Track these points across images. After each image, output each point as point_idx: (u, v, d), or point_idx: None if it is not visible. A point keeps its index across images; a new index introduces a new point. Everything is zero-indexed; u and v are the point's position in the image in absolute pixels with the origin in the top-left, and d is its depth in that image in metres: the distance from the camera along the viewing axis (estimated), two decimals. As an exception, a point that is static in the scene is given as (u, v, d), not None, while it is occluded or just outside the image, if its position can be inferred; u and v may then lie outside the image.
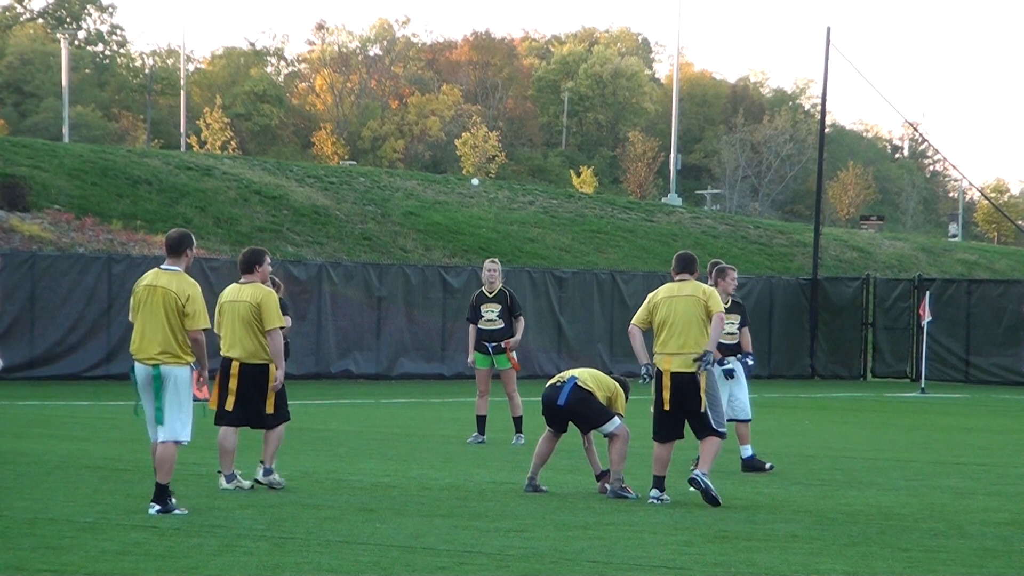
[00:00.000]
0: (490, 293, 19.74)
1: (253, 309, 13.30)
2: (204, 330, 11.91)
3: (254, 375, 13.37)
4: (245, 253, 13.71)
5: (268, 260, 13.64)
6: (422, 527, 11.54)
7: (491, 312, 19.64)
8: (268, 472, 13.57)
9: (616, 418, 13.86)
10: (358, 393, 31.03)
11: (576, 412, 13.88)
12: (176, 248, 12.02)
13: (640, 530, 11.69)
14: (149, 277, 12.06)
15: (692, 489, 13.22)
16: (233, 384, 13.38)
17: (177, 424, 11.76)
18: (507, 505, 13.03)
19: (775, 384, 38.23)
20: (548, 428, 14.19)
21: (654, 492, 13.42)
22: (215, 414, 13.47)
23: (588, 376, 14.06)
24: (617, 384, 14.10)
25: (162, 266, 12.10)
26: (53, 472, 14.66)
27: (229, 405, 13.40)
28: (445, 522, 11.82)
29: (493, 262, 20.05)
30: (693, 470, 13.23)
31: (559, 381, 14.06)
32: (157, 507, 11.71)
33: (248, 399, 13.41)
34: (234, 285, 13.63)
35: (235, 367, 13.38)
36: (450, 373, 35.70)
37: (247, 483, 13.44)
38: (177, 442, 11.80)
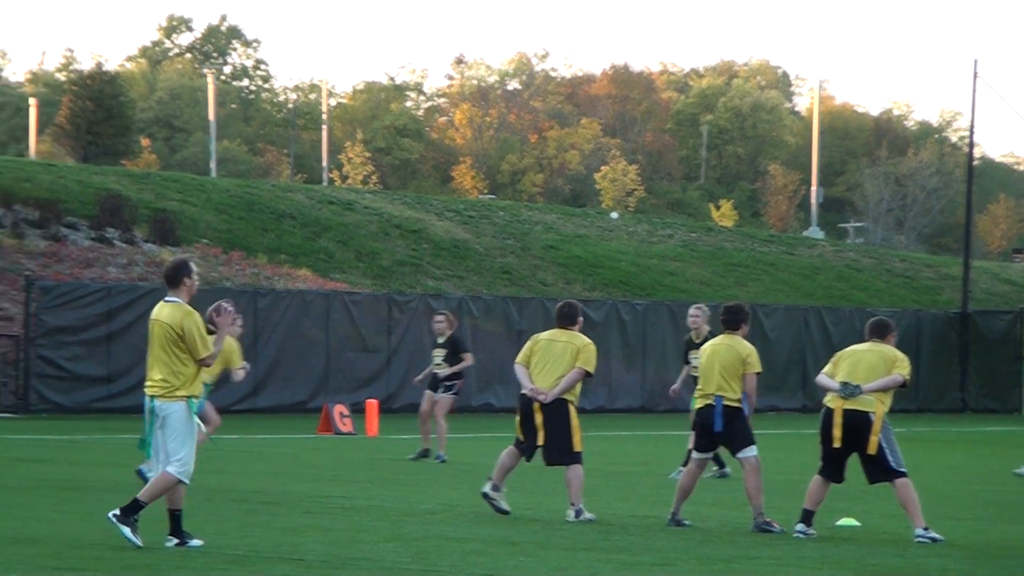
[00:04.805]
0: (697, 339, 19.41)
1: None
2: (208, 356, 11.27)
3: None
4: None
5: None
6: (566, 560, 11.49)
7: (696, 359, 19.31)
8: None
9: (753, 446, 13.65)
10: (499, 427, 31.01)
11: (729, 432, 13.63)
12: (173, 278, 11.47)
13: (786, 564, 11.53)
14: (155, 310, 11.52)
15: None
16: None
17: (171, 458, 11.22)
18: (650, 539, 12.93)
19: (924, 418, 37.64)
20: (692, 461, 14.06)
21: (800, 526, 13.25)
22: None
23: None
24: None
25: (165, 298, 11.54)
26: (202, 505, 14.81)
27: None
28: (588, 555, 11.75)
29: (698, 308, 19.74)
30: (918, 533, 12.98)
31: (706, 404, 13.76)
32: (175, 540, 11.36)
33: None
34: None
35: None
36: (591, 407, 35.60)
37: None
38: (177, 480, 11.23)
